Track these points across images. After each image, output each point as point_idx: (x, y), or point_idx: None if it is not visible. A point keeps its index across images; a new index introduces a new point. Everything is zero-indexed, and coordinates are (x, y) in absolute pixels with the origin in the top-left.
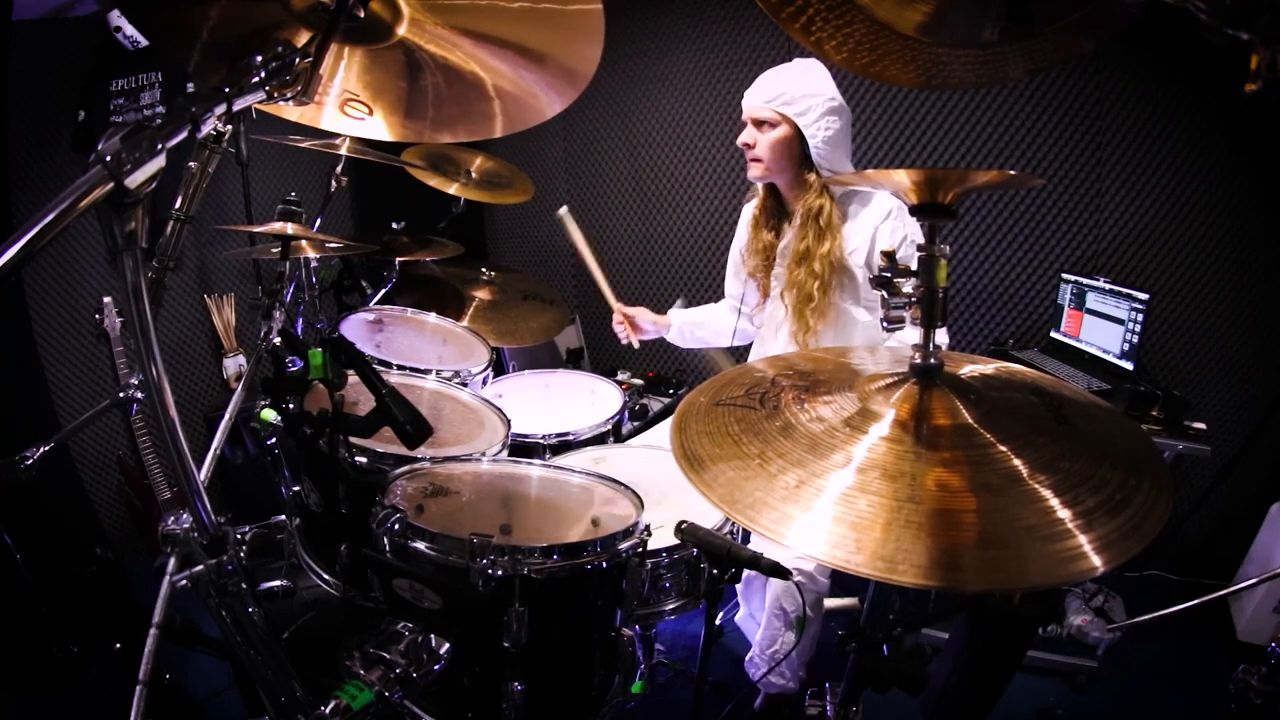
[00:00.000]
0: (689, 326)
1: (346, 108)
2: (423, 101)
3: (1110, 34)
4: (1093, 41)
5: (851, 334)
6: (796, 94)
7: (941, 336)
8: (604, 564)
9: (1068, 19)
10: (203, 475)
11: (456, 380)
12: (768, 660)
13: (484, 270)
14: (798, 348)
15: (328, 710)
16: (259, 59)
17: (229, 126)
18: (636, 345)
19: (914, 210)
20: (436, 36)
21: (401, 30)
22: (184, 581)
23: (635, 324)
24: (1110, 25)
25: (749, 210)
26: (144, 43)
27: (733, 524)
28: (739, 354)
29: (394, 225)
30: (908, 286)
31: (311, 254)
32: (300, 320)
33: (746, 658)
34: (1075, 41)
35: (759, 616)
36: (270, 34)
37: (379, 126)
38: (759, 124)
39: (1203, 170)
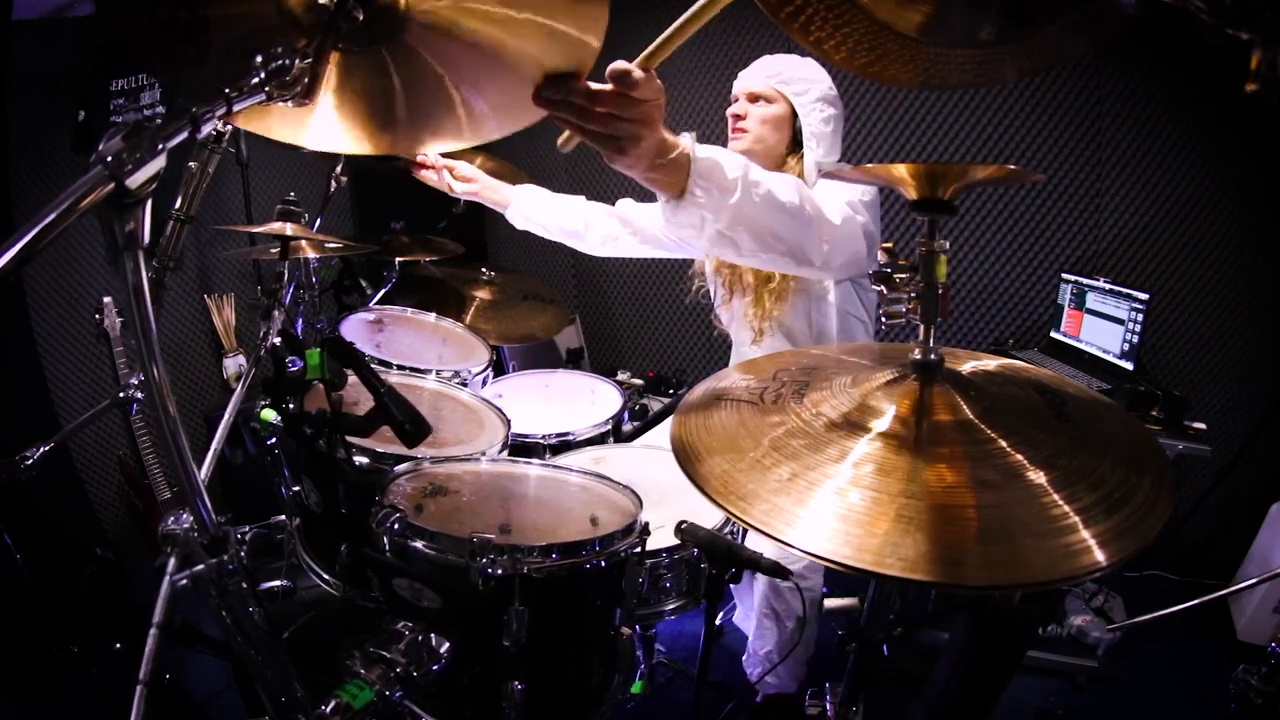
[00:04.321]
0: (536, 207)
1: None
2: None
3: (1109, 35)
4: (1092, 42)
5: (826, 314)
6: (795, 75)
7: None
8: (603, 563)
9: (1065, 19)
10: (203, 475)
11: (456, 380)
12: (762, 660)
13: (484, 270)
14: (753, 336)
15: (328, 710)
16: (259, 59)
17: (229, 126)
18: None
19: (914, 206)
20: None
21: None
22: (184, 581)
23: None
24: (1109, 26)
25: None
26: None
27: (733, 524)
28: None
29: (394, 225)
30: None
31: (311, 254)
32: (300, 320)
33: (743, 656)
34: (1074, 42)
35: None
36: (270, 34)
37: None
38: (754, 99)
39: (1203, 170)
